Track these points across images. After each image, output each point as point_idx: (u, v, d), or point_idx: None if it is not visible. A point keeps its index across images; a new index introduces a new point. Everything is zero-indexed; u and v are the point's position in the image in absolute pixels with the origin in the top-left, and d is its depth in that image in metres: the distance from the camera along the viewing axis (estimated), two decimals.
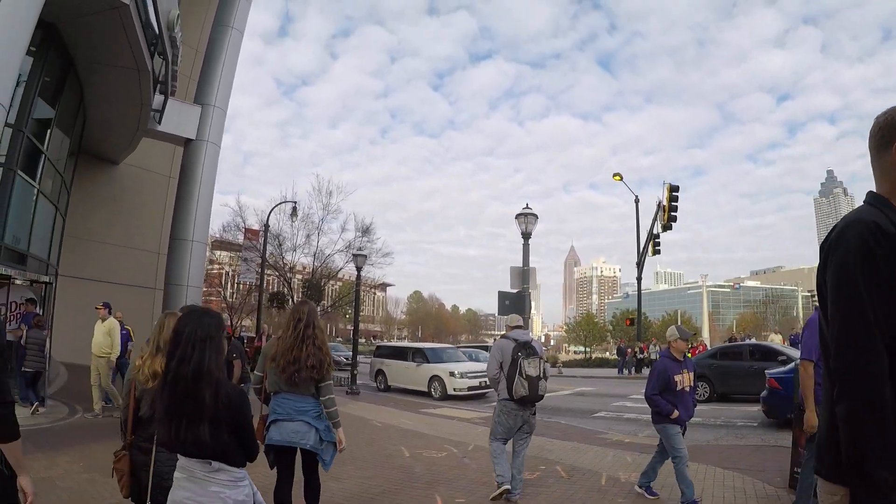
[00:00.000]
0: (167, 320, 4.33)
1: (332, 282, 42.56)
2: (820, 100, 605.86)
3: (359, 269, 26.02)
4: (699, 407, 15.22)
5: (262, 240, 30.89)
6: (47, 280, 14.67)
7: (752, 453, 10.31)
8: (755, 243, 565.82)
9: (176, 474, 3.43)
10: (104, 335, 12.54)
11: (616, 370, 37.63)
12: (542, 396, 7.64)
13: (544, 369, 7.63)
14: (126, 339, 13.74)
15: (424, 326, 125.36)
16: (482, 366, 21.24)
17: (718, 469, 8.98)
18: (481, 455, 10.22)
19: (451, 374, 21.56)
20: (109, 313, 12.87)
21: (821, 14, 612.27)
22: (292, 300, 35.77)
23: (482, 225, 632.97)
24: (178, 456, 3.43)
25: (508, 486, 7.31)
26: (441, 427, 13.28)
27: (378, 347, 28.99)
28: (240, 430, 3.39)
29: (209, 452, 3.29)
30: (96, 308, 13.06)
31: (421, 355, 23.72)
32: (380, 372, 24.98)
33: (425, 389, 22.21)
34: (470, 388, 21.46)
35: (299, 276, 39.79)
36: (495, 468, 7.55)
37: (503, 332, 8.42)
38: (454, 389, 21.19)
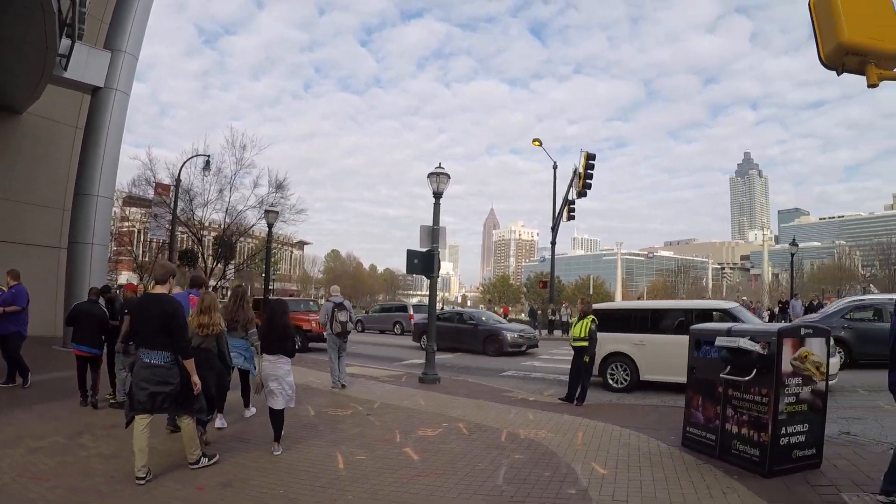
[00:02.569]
0: (205, 296, 8.11)
1: (246, 239, 41.67)
2: (744, 86, 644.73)
3: (270, 225, 25.73)
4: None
5: (173, 195, 29.95)
6: None
7: (648, 413, 10.64)
8: (671, 216, 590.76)
9: (264, 362, 7.81)
10: None
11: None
12: (349, 332, 13.38)
13: (350, 317, 13.38)
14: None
15: (341, 285, 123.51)
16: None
17: (615, 427, 9.25)
18: (386, 412, 10.41)
19: None
20: None
21: (754, 5, 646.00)
22: (203, 258, 34.96)
23: (404, 185, 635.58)
24: (264, 354, 7.85)
25: (337, 388, 12.93)
26: (349, 386, 13.24)
27: (600, 314, 13.30)
28: (291, 343, 7.94)
29: (281, 352, 7.76)
30: None
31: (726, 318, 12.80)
32: (615, 357, 14.04)
33: None
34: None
35: (212, 234, 38.71)
36: (332, 375, 13.20)
37: (328, 297, 13.99)
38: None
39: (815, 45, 4.31)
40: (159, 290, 6.64)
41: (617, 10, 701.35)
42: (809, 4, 4.35)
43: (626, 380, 13.73)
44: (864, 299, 18.49)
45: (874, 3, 4.22)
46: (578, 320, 12.12)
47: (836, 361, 12.44)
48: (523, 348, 23.15)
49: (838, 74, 4.27)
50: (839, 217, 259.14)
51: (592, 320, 11.97)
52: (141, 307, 6.60)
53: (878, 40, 4.06)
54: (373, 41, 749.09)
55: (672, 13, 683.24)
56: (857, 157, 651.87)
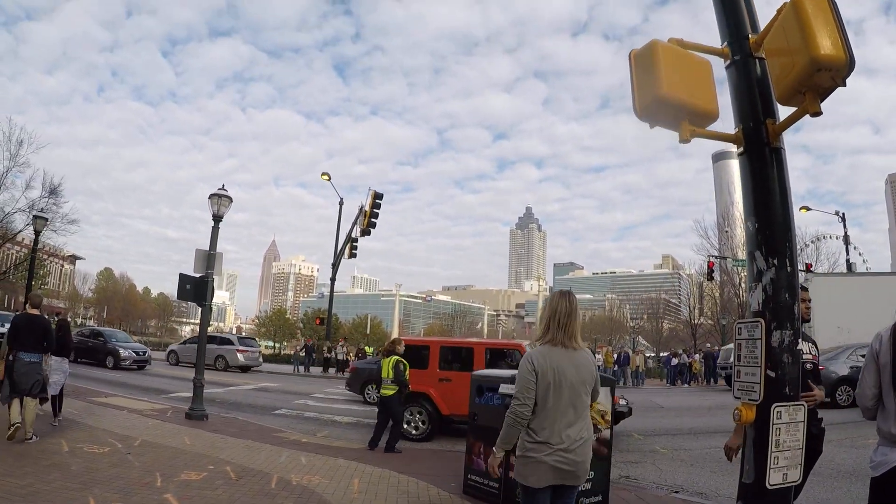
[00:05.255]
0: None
1: (13, 246, 38.17)
2: (532, 145, 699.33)
3: (37, 232, 23.80)
4: (362, 407, 15.49)
5: None
6: None
7: (427, 458, 10.43)
8: (450, 261, 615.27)
9: (51, 361, 10.30)
10: None
11: (302, 367, 36.99)
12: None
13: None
14: None
15: (111, 307, 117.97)
16: None
17: (393, 473, 8.91)
18: (147, 451, 9.45)
19: None
20: None
21: (552, 73, 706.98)
22: None
23: (186, 206, 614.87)
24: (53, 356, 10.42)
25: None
26: (109, 419, 12.14)
27: None
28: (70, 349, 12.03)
29: (65, 355, 11.40)
30: None
31: None
32: None
33: None
34: None
35: None
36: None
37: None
38: None
39: (632, 104, 4.30)
40: (34, 311, 9.66)
41: (422, 60, 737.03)
42: (630, 56, 4.38)
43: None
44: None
45: (693, 65, 4.31)
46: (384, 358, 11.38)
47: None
48: None
49: (651, 127, 4.30)
50: (611, 273, 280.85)
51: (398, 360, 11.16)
52: (26, 322, 9.51)
53: (693, 97, 4.13)
54: (175, 53, 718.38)
55: (473, 70, 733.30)
56: (630, 219, 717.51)
